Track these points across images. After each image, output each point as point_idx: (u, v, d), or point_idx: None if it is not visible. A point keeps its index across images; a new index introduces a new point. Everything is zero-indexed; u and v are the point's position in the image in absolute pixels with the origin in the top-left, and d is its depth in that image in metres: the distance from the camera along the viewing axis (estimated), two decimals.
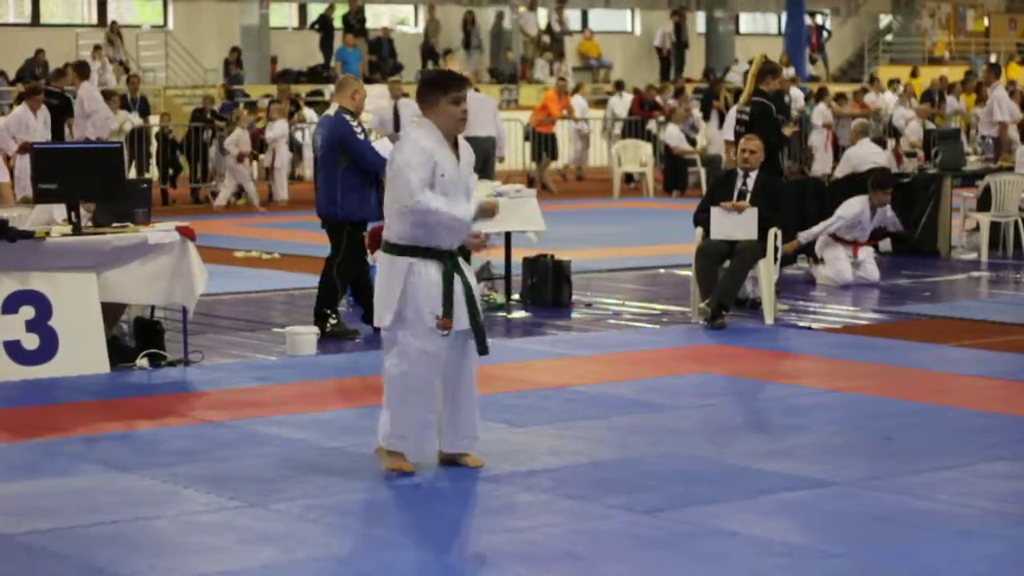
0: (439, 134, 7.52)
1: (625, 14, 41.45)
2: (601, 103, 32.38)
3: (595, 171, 30.56)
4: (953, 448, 8.18)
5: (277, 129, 25.10)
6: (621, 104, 30.57)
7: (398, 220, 7.49)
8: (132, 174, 22.60)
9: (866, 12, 45.00)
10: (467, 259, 8.11)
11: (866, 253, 14.97)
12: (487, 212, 7.69)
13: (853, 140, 18.32)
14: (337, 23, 34.83)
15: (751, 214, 12.29)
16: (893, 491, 7.24)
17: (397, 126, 22.28)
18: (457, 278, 7.50)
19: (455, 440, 7.71)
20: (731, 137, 14.77)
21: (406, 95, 22.98)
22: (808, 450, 8.15)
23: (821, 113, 27.83)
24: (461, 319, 7.49)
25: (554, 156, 28.78)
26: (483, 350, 7.59)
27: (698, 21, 40.80)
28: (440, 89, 7.55)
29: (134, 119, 25.48)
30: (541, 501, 7.10)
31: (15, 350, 10.10)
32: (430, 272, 7.44)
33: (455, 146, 7.58)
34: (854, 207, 14.85)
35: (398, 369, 7.48)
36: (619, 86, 31.80)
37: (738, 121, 13.91)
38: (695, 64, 39.21)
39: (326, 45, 34.71)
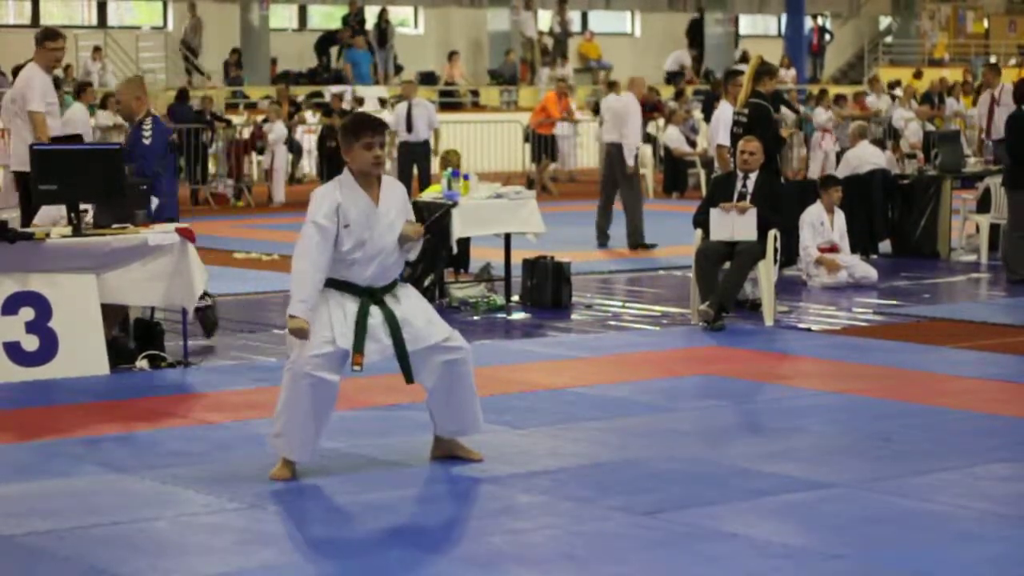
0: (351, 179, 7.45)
1: (625, 16, 41.45)
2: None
3: (588, 173, 30.45)
4: (953, 450, 8.18)
5: (276, 131, 25.10)
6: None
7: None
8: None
9: (866, 14, 45.00)
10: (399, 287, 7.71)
11: (852, 259, 14.97)
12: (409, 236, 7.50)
13: (852, 142, 18.32)
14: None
15: (751, 215, 12.29)
16: (893, 493, 7.23)
17: (410, 126, 22.30)
18: (376, 310, 7.43)
19: (449, 425, 7.74)
20: (724, 141, 14.75)
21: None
22: (808, 452, 8.15)
23: (819, 115, 27.75)
24: (376, 352, 7.42)
25: (554, 158, 28.73)
26: (408, 380, 7.55)
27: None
28: (352, 135, 7.44)
29: None
30: (540, 502, 7.10)
31: (15, 351, 10.11)
32: (345, 305, 7.41)
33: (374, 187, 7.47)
34: (810, 215, 14.84)
35: (288, 373, 7.42)
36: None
37: (736, 123, 13.91)
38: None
39: (323, 49, 34.72)
